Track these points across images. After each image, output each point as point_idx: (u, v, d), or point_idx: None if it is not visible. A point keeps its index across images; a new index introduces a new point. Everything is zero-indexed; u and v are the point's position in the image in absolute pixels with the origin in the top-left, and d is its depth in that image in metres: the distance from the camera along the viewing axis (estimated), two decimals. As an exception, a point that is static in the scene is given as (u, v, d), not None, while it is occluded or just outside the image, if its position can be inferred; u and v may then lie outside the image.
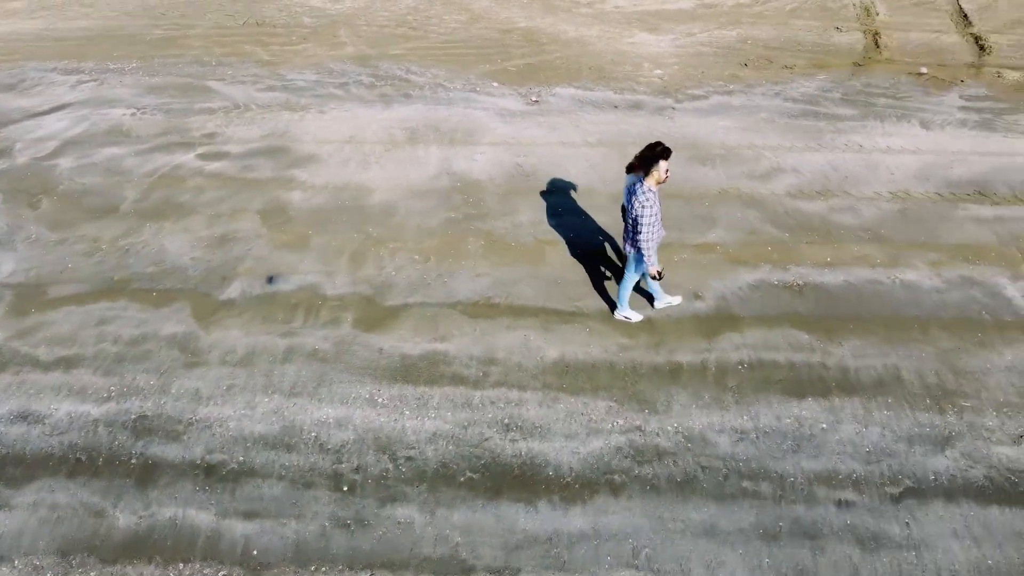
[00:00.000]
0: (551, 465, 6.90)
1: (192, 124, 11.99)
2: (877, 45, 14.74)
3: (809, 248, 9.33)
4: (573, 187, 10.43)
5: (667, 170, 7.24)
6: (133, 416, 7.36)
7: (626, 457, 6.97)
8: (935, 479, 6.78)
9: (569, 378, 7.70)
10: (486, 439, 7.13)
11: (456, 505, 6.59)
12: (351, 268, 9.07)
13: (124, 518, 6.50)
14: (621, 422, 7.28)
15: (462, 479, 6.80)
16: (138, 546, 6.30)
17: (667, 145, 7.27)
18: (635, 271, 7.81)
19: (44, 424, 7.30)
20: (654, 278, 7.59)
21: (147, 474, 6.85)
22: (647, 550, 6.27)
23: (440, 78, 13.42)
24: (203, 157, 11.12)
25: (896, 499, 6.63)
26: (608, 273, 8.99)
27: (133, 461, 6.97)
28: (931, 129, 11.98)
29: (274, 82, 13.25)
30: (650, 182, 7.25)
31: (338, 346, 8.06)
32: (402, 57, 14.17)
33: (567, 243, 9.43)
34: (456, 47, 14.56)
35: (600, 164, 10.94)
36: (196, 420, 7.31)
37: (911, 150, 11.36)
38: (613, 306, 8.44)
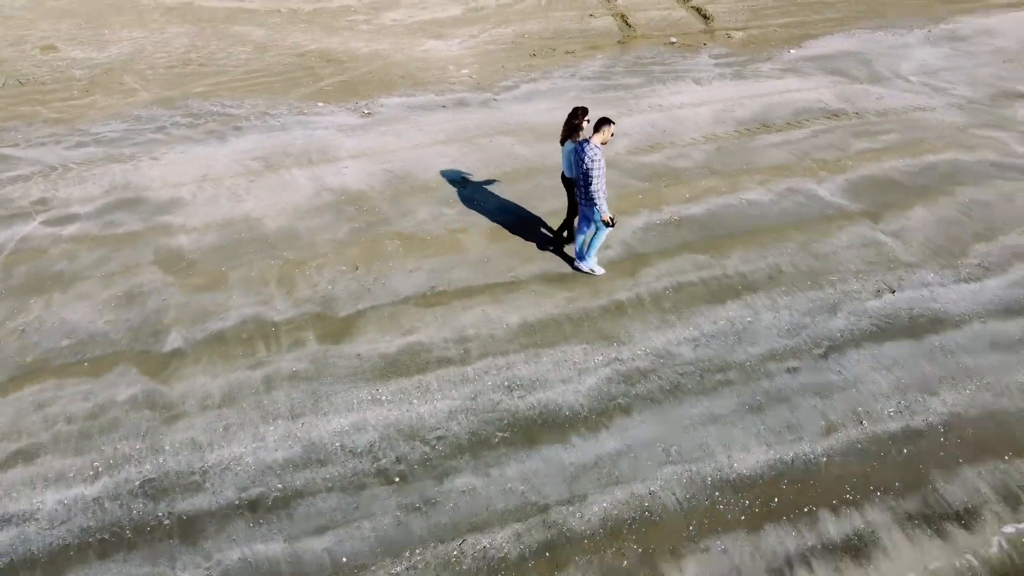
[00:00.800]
0: (564, 406, 7.67)
1: (11, 194, 10.79)
2: (628, 24, 17.07)
3: (669, 190, 10.95)
4: (450, 180, 11.12)
5: (612, 133, 8.40)
6: (137, 482, 6.87)
7: (619, 383, 7.95)
8: (840, 335, 8.59)
9: (539, 335, 8.49)
10: (498, 403, 7.70)
11: (504, 462, 7.12)
12: (284, 292, 9.00)
13: (192, 574, 6.17)
14: (600, 358, 8.24)
15: (496, 440, 7.34)
16: (219, 595, 6.06)
17: (584, 107, 8.47)
18: (599, 225, 8.81)
19: (36, 520, 6.56)
20: (608, 224, 8.63)
21: (189, 529, 6.51)
22: (674, 447, 7.30)
23: (260, 107, 13.28)
24: (50, 223, 10.14)
25: (823, 356, 8.32)
26: (523, 240, 9.87)
27: (166, 522, 6.56)
28: (703, 84, 14.33)
29: (81, 138, 12.25)
30: (596, 140, 8.29)
31: (315, 363, 8.08)
32: (209, 93, 13.75)
33: (474, 227, 10.13)
34: (259, 76, 14.42)
35: (460, 157, 11.73)
36: (209, 466, 7.02)
37: (698, 103, 13.56)
38: (543, 268, 9.35)
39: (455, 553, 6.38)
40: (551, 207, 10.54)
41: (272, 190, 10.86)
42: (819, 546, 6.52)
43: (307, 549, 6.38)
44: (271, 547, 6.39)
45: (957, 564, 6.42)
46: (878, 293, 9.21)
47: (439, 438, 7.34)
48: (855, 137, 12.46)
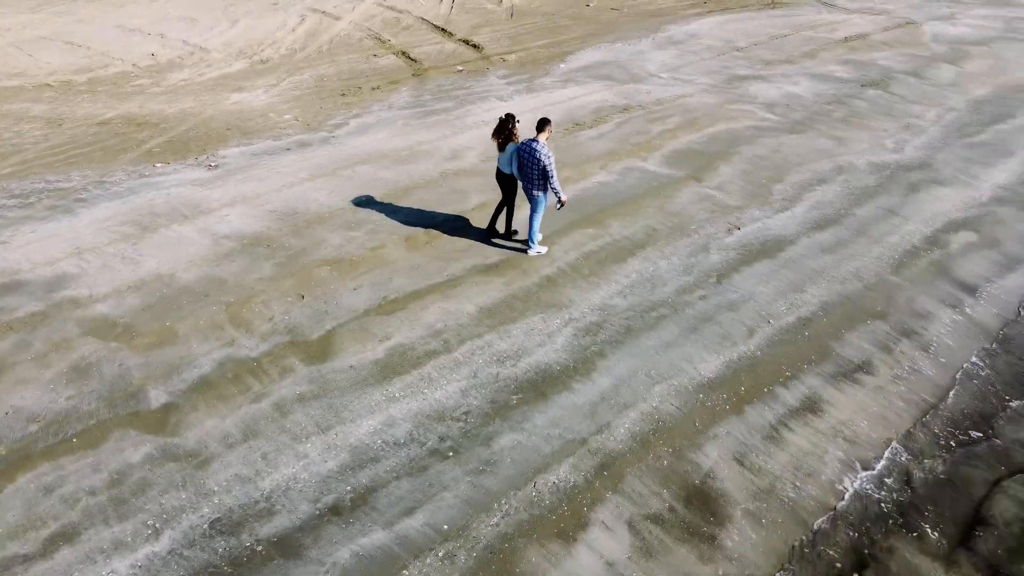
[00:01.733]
0: (552, 364, 8.73)
1: None
2: (413, 59, 18.38)
3: (535, 185, 12.41)
4: (339, 208, 11.59)
5: (551, 130, 9.78)
6: (205, 525, 6.72)
7: (584, 336, 9.18)
8: (721, 266, 10.62)
9: (499, 316, 9.45)
10: (497, 375, 8.55)
11: (531, 416, 8.01)
12: (244, 331, 8.98)
13: (316, 579, 6.30)
14: (558, 321, 9.41)
15: (515, 402, 8.19)
16: (348, 590, 6.28)
17: (511, 113, 9.78)
18: (540, 211, 10.11)
19: (118, 587, 6.19)
20: (563, 205, 10.00)
21: (286, 547, 6.58)
22: (653, 371, 8.71)
23: (93, 177, 12.55)
24: (-74, 324, 8.97)
25: (718, 283, 10.27)
26: (437, 245, 10.71)
27: (259, 548, 6.55)
28: (507, 100, 16.08)
29: None
30: (542, 138, 9.52)
31: (315, 383, 8.30)
32: (19, 173, 12.65)
33: (388, 242, 10.76)
34: (70, 149, 13.51)
35: (334, 188, 12.21)
36: (270, 491, 7.05)
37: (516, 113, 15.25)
38: (470, 263, 10.31)
39: (534, 494, 7.18)
40: (446, 215, 11.48)
41: (165, 248, 10.53)
42: (786, 411, 8.29)
43: (408, 529, 6.79)
44: (374, 537, 6.70)
45: (877, 400, 8.56)
46: (729, 231, 11.44)
47: (466, 413, 8.03)
48: (650, 123, 14.93)
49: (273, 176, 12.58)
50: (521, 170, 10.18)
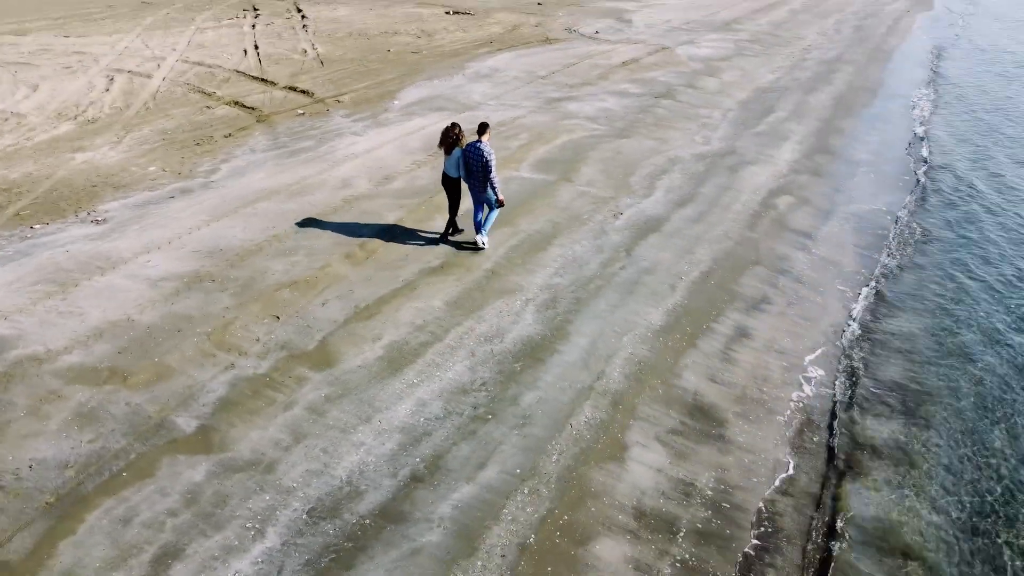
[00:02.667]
0: (532, 336, 9.79)
1: None
2: (249, 107, 18.46)
3: (438, 197, 13.37)
4: (265, 239, 11.73)
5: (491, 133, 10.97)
6: (303, 515, 6.94)
7: (546, 311, 10.36)
8: (624, 243, 12.34)
9: (465, 306, 10.33)
10: (492, 350, 9.44)
11: (539, 376, 9.01)
12: (238, 354, 9.02)
13: (434, 533, 6.83)
14: (518, 303, 10.50)
15: (519, 368, 9.14)
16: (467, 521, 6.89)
17: (456, 123, 10.90)
18: (492, 205, 11.24)
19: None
20: (501, 205, 10.97)
21: (390, 516, 7.00)
22: (615, 327, 10.09)
23: (-37, 245, 11.48)
24: None
25: (628, 254, 11.94)
26: (378, 256, 11.31)
27: (368, 521, 6.92)
28: (362, 134, 16.86)
29: None
30: (485, 139, 10.51)
31: (334, 384, 8.64)
32: None
33: (331, 261, 11.16)
34: (-84, 222, 12.15)
35: (247, 224, 12.28)
36: (347, 476, 7.38)
37: (376, 146, 16.09)
38: (417, 267, 11.10)
39: (574, 432, 8.22)
40: (370, 232, 12.07)
41: (102, 297, 10.09)
42: (728, 340, 10.09)
43: (488, 479, 7.52)
44: (463, 492, 7.35)
45: (784, 321, 10.66)
46: (615, 216, 13.25)
47: (483, 384, 8.85)
48: (505, 140, 16.49)
49: (172, 222, 12.33)
50: (468, 170, 11.23)
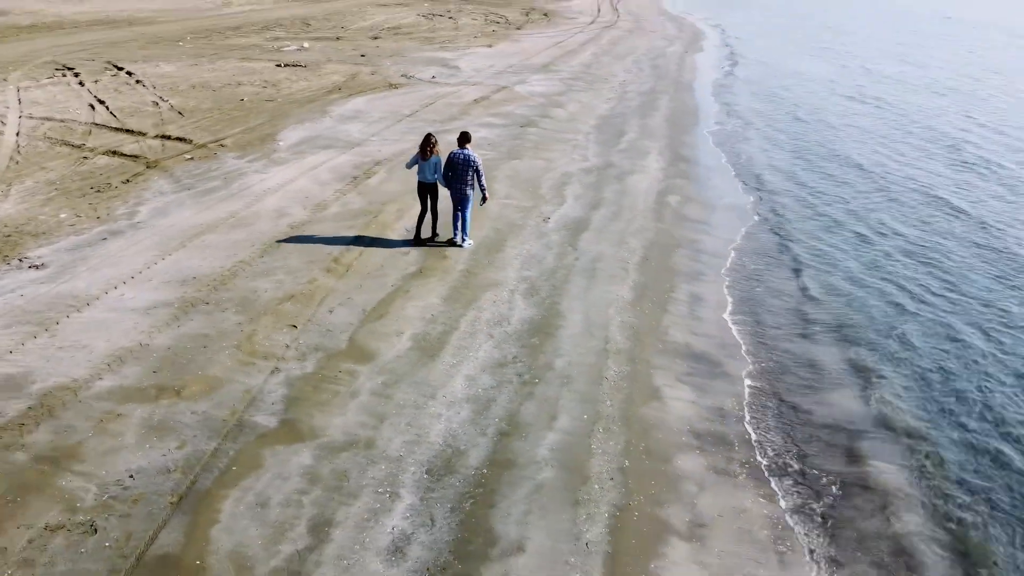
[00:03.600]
0: (532, 317, 10.75)
1: None
2: (133, 156, 17.77)
3: (388, 208, 13.90)
4: (234, 265, 11.68)
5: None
6: (425, 474, 7.38)
7: (531, 298, 11.36)
8: (565, 239, 13.65)
9: (461, 300, 11.08)
10: (507, 331, 10.28)
11: (557, 347, 9.99)
12: (278, 359, 9.13)
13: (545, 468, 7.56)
14: (505, 293, 11.41)
15: (536, 342, 10.06)
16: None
17: (431, 132, 11.72)
18: (471, 207, 12.41)
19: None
20: (486, 200, 12.08)
21: (502, 464, 7.64)
22: (597, 303, 11.32)
23: None
24: None
25: (575, 249, 13.27)
26: (356, 266, 11.71)
27: (484, 470, 7.51)
28: (266, 172, 16.92)
29: None
30: (470, 147, 11.38)
31: (384, 373, 9.05)
32: None
33: (316, 276, 11.39)
34: None
35: (205, 254, 12.12)
36: (443, 442, 7.90)
37: (288, 180, 16.27)
38: (400, 274, 11.67)
39: (612, 383, 9.30)
40: (338, 249, 12.39)
41: (99, 330, 9.64)
42: (688, 304, 11.70)
43: (565, 426, 8.38)
44: (551, 437, 8.16)
45: (716, 285, 12.48)
46: (545, 221, 14.56)
47: (514, 357, 9.68)
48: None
49: (121, 260, 11.86)
50: (455, 173, 12.27)
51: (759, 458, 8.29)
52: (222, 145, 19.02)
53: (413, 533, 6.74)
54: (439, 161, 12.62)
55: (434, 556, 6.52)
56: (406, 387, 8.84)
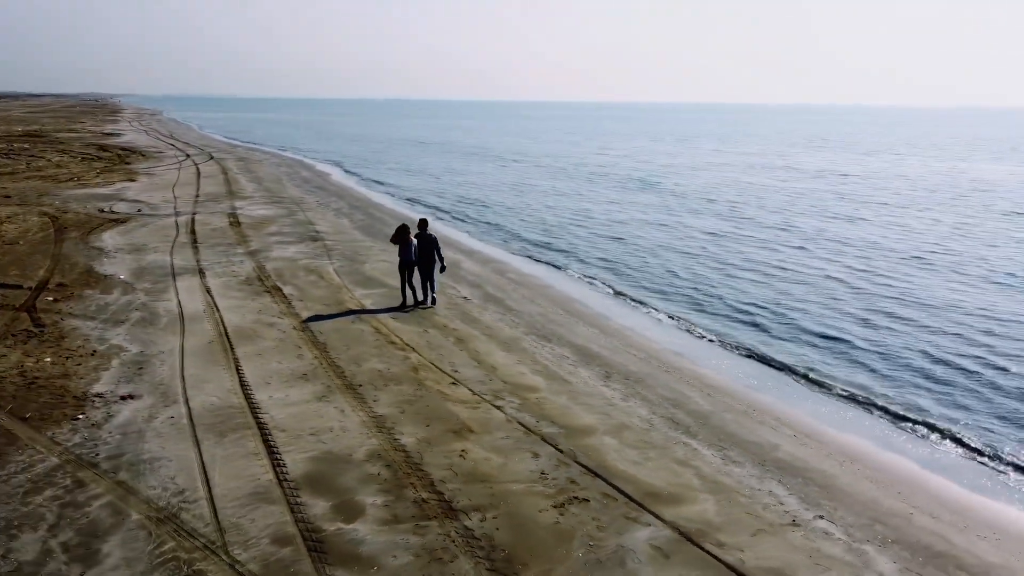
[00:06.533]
0: (537, 325, 15.03)
1: None
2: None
3: (316, 292, 16.24)
4: (308, 369, 13.36)
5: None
6: (522, 405, 11.53)
7: (525, 330, 15.55)
8: (485, 280, 17.90)
9: (459, 336, 14.75)
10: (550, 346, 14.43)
11: (589, 334, 14.53)
12: (507, 398, 11.94)
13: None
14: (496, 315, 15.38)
15: (572, 361, 14.46)
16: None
17: (404, 223, 15.27)
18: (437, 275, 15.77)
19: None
20: (443, 269, 16.10)
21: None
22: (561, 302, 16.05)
23: None
24: None
25: (503, 275, 17.65)
26: (391, 328, 14.41)
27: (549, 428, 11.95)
28: (172, 294, 17.28)
29: None
30: (430, 230, 15.69)
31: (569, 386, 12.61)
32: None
33: (312, 336, 13.80)
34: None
35: (248, 363, 13.42)
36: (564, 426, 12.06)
37: (195, 289, 17.09)
38: (433, 331, 14.80)
39: (651, 351, 14.32)
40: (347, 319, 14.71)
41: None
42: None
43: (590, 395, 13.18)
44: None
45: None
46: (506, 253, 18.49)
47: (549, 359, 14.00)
48: (308, 286, 19.18)
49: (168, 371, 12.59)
50: (424, 251, 15.76)
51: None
52: (61, 285, 18.01)
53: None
54: (414, 244, 16.09)
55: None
56: (616, 383, 12.61)
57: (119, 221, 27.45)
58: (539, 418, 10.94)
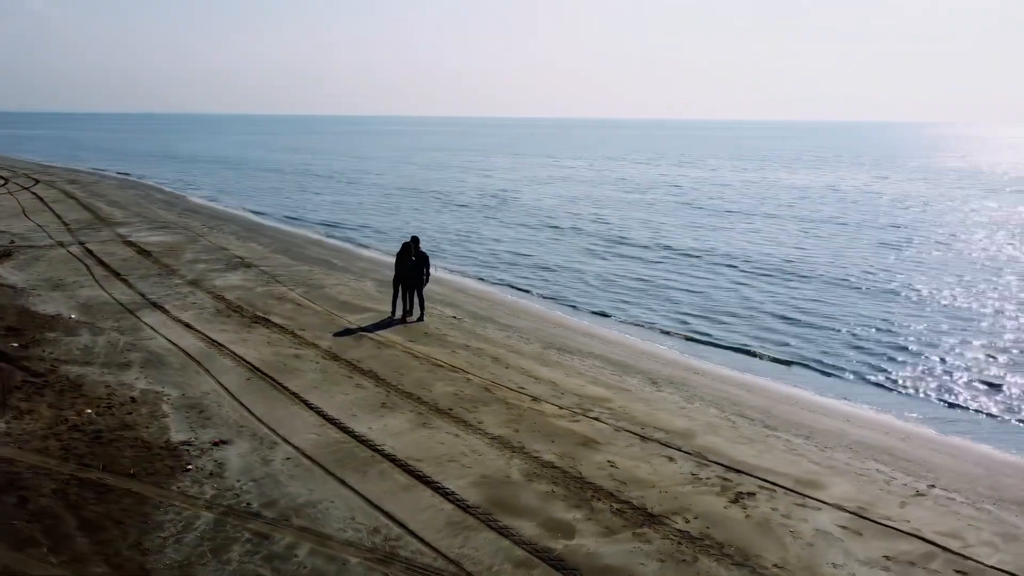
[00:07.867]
0: (538, 333, 15.60)
1: None
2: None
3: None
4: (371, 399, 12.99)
5: None
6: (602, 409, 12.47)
7: (518, 337, 16.02)
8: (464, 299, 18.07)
9: (469, 351, 15.09)
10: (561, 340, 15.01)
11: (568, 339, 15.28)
12: (590, 408, 12.22)
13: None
14: (496, 329, 15.76)
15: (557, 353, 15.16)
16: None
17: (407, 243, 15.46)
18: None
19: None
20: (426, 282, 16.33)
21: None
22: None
23: None
24: None
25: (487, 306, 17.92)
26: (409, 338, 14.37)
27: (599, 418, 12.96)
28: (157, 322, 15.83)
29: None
30: (420, 247, 15.61)
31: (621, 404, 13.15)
32: None
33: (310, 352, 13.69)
34: None
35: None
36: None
37: (175, 323, 15.86)
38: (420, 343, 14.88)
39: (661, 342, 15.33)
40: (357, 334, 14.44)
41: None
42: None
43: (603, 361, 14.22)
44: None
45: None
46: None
47: (574, 350, 14.72)
48: (293, 312, 18.17)
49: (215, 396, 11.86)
50: (416, 267, 16.09)
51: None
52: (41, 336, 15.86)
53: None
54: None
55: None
56: (668, 390, 13.24)
57: (3, 255, 24.25)
58: (640, 425, 11.50)
